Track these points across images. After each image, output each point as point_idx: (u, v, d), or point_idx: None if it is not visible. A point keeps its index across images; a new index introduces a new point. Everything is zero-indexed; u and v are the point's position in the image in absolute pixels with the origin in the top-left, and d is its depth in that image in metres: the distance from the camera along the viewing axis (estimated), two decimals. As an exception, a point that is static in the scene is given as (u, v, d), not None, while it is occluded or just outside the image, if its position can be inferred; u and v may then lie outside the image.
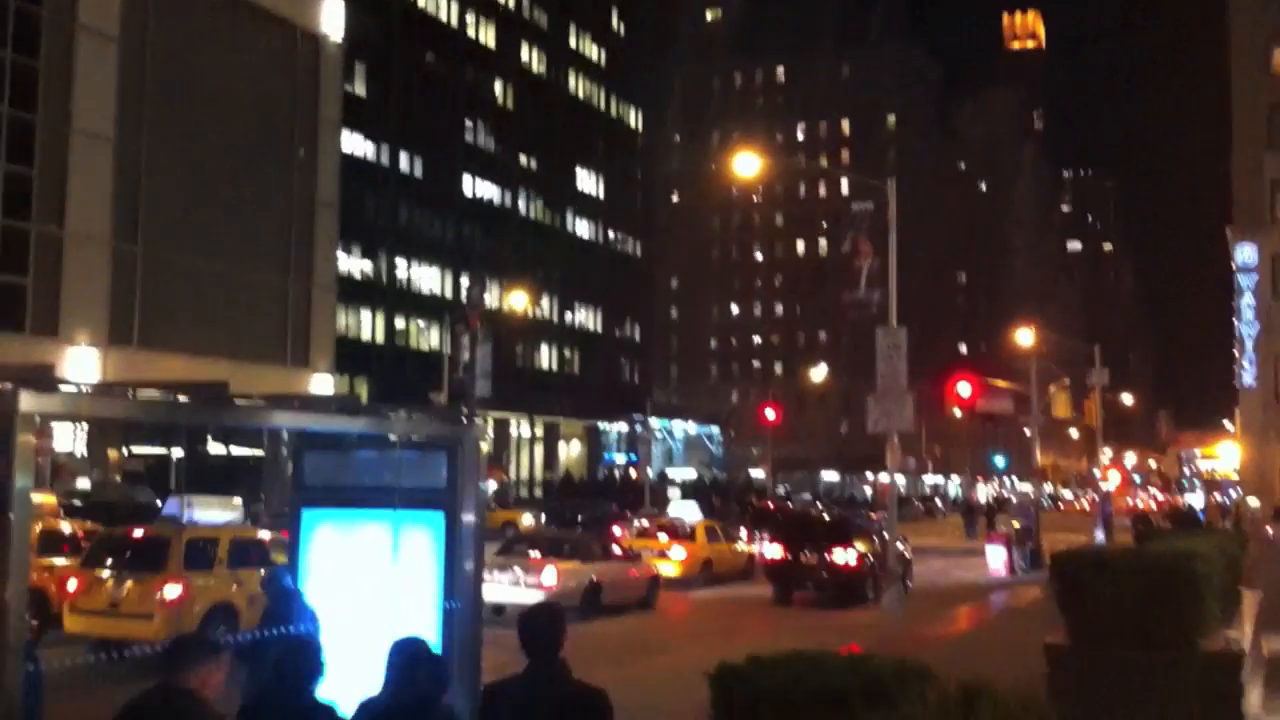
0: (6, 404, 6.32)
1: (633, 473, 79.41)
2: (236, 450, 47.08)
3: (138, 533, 19.36)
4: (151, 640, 15.38)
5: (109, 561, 18.34)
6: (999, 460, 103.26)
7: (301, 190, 53.31)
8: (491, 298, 70.82)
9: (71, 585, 18.12)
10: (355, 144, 65.71)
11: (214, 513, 19.31)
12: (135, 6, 45.50)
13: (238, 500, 20.92)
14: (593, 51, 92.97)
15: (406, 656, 5.91)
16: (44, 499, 25.17)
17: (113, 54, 44.56)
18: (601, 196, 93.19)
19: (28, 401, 6.44)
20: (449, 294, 73.82)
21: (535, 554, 25.03)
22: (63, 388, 6.91)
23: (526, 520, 46.76)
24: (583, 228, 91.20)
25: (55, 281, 42.82)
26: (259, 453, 44.07)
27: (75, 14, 43.38)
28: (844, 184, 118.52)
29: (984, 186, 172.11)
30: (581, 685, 5.80)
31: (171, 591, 17.62)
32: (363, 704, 6.20)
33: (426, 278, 74.87)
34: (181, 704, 5.38)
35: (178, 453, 46.25)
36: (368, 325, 69.80)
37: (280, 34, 52.58)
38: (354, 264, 67.25)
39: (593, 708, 5.72)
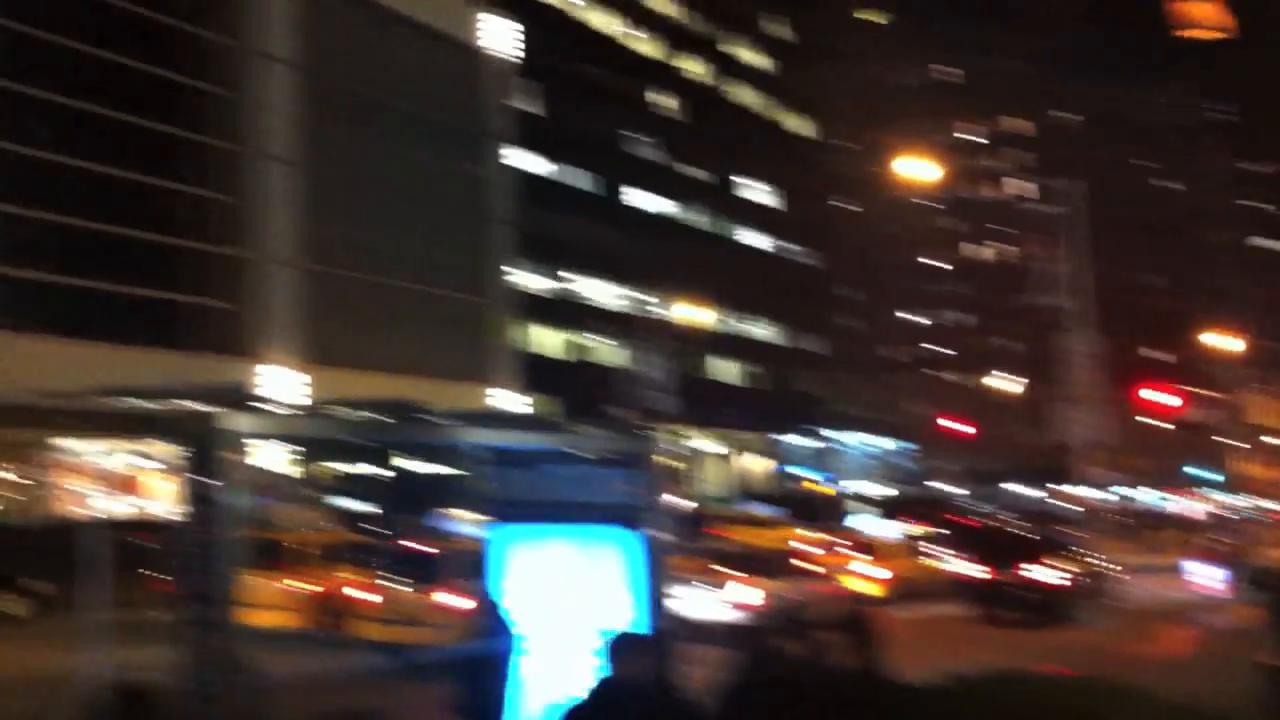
0: (207, 423, 6.45)
1: (820, 487, 78.62)
2: (421, 467, 47.99)
3: (417, 545, 20.71)
4: (434, 645, 16.06)
5: (390, 572, 19.80)
6: (1199, 472, 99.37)
7: (478, 207, 54.44)
8: (670, 311, 71.11)
9: (358, 594, 19.62)
10: (531, 161, 66.71)
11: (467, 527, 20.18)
12: (314, 33, 47.02)
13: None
14: (762, 60, 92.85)
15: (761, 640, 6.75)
16: (310, 514, 27.00)
17: (293, 79, 46.16)
18: (776, 206, 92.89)
19: (228, 420, 6.57)
20: (628, 309, 74.30)
21: (733, 571, 24.76)
22: (264, 407, 7.05)
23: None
24: (758, 238, 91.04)
25: (246, 302, 44.46)
26: (439, 469, 44.84)
27: (256, 41, 45.10)
28: (1029, 186, 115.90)
29: (1173, 183, 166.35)
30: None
31: (452, 600, 18.30)
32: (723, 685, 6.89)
33: (604, 292, 75.51)
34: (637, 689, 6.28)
35: (361, 469, 47.29)
36: (547, 341, 70.67)
37: (452, 53, 53.81)
38: (532, 280, 68.21)
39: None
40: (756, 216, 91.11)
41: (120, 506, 35.74)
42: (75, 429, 34.42)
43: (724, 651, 6.22)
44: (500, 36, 56.87)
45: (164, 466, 38.83)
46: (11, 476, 38.25)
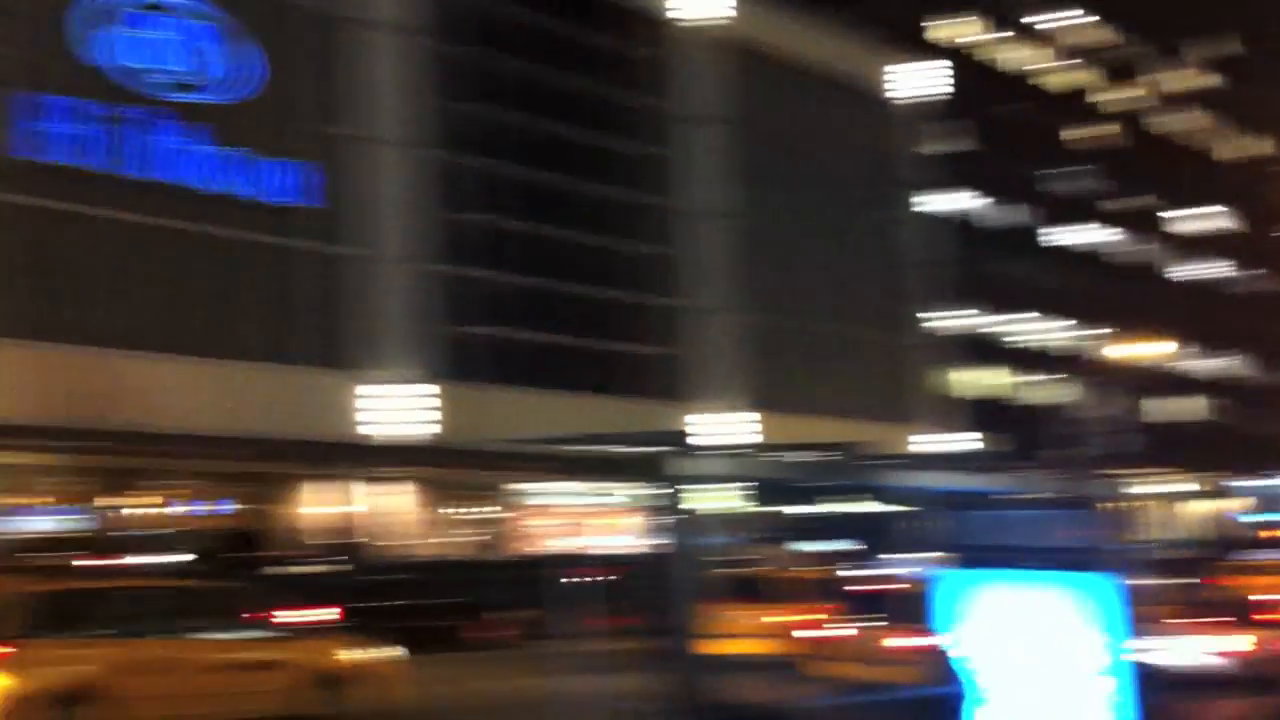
0: (671, 465, 6.79)
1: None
2: (869, 507, 48.19)
3: (868, 585, 20.95)
4: (889, 685, 16.03)
5: (843, 609, 20.04)
6: None
7: (899, 251, 54.61)
8: (1113, 349, 67.91)
9: (812, 631, 19.86)
10: (960, 201, 65.73)
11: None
12: (739, 93, 48.79)
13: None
14: (1206, 80, 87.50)
15: None
16: (763, 551, 27.98)
17: (722, 138, 48.02)
18: (1226, 231, 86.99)
19: (689, 463, 6.90)
20: (1065, 347, 71.61)
21: (1214, 618, 23.06)
22: (719, 450, 7.37)
23: None
24: (1206, 267, 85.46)
25: (684, 351, 46.32)
26: (888, 509, 44.82)
27: (687, 105, 47.30)
28: None
29: None
30: None
31: (921, 639, 18.36)
32: None
33: (1040, 331, 73.09)
34: None
35: (809, 508, 47.96)
36: (981, 381, 69.05)
37: (869, 102, 54.58)
38: (964, 320, 66.98)
39: None
40: (1202, 244, 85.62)
41: (577, 543, 37.81)
42: (550, 472, 36.83)
43: (1229, 700, 5.86)
44: (920, 81, 57.26)
45: (615, 506, 40.85)
46: (483, 515, 41.42)
